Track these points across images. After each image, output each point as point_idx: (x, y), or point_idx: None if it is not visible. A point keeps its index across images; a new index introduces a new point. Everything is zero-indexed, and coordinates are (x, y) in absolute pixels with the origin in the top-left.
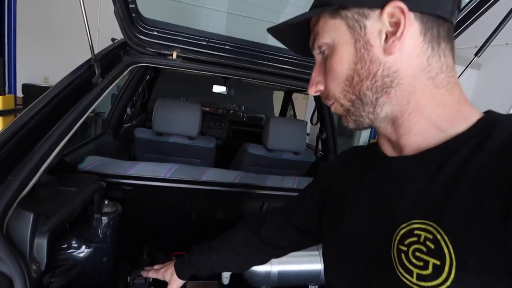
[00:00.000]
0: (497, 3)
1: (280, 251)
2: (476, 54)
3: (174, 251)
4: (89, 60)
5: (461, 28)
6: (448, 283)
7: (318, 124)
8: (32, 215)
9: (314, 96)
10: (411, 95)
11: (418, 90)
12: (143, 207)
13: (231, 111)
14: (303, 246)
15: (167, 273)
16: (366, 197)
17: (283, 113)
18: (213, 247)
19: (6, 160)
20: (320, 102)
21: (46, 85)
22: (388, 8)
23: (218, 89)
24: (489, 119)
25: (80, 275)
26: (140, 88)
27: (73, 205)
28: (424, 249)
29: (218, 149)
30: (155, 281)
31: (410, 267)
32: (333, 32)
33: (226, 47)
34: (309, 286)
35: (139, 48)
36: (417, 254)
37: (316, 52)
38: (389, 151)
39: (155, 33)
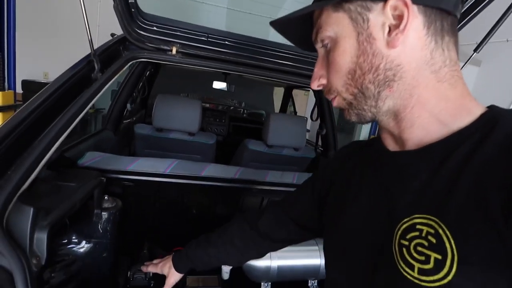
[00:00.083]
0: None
1: (278, 244)
2: (475, 50)
3: (174, 247)
4: (88, 55)
5: (461, 24)
6: (449, 277)
7: (318, 120)
8: (32, 209)
9: (314, 92)
10: (414, 89)
11: (421, 83)
12: (143, 203)
13: (232, 107)
14: (301, 240)
15: (165, 266)
16: (368, 192)
17: (283, 109)
18: (210, 240)
19: (6, 154)
20: (320, 98)
21: (45, 81)
22: (391, 1)
23: (218, 85)
24: (493, 114)
25: (80, 270)
26: (140, 84)
27: (73, 200)
28: (426, 244)
29: (219, 145)
30: (155, 275)
31: (412, 261)
32: (336, 25)
33: (226, 42)
34: (309, 281)
35: (139, 44)
36: (419, 248)
37: (318, 46)
38: (391, 145)
39: (155, 28)
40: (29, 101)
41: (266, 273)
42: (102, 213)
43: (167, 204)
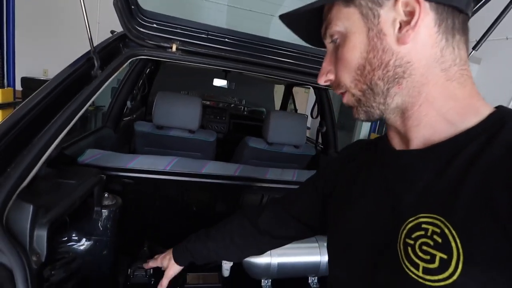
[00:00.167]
0: None
1: (278, 241)
2: (474, 48)
3: (174, 244)
4: (88, 52)
5: None
6: (454, 277)
7: (319, 118)
8: (31, 206)
9: (315, 90)
10: (423, 86)
11: (431, 81)
12: (143, 200)
13: (232, 105)
14: (301, 237)
15: (165, 259)
16: (372, 190)
17: (283, 106)
18: (209, 235)
19: (6, 152)
20: (320, 96)
21: (45, 78)
22: None
23: (218, 82)
24: (500, 114)
25: (80, 267)
26: (140, 81)
27: (73, 197)
28: (431, 243)
29: (219, 142)
30: (156, 273)
31: (417, 260)
32: (346, 20)
33: (226, 40)
34: (309, 278)
35: (139, 41)
36: (424, 247)
37: (327, 41)
38: (397, 144)
39: (155, 25)
40: (28, 98)
41: (267, 270)
42: (102, 210)
43: (167, 201)
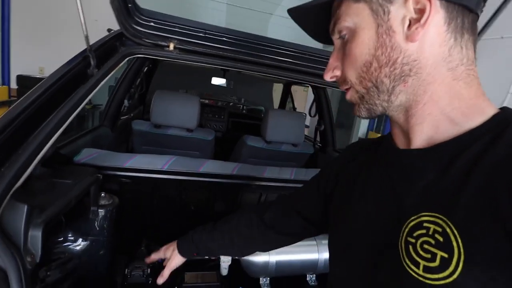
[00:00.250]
0: None
1: (282, 238)
2: None
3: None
4: (84, 50)
5: None
6: (454, 276)
7: (318, 117)
8: (26, 207)
9: (313, 88)
10: (428, 85)
11: (437, 80)
12: (140, 200)
13: (231, 104)
14: (305, 235)
15: (169, 250)
16: (375, 189)
17: (282, 105)
18: (216, 227)
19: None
20: (318, 94)
21: (41, 77)
22: None
23: (217, 81)
24: (505, 115)
25: (77, 268)
26: (138, 79)
27: (69, 197)
28: (433, 242)
29: (217, 141)
30: (153, 273)
31: (417, 259)
32: (356, 16)
33: (224, 39)
34: (307, 275)
35: (136, 39)
36: (425, 246)
37: (335, 37)
38: (401, 142)
39: (152, 24)
40: (23, 96)
41: (265, 268)
42: (99, 210)
43: (165, 200)
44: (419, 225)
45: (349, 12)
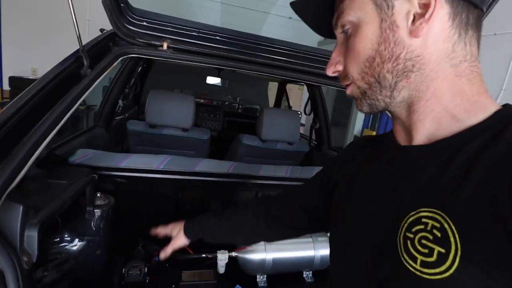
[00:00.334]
0: None
1: (286, 230)
2: None
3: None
4: (77, 51)
5: None
6: (451, 271)
7: (313, 115)
8: (21, 207)
9: (307, 87)
10: (431, 81)
11: (440, 76)
12: (136, 199)
13: (226, 103)
14: (308, 229)
15: (176, 229)
16: (375, 187)
17: (277, 104)
18: (224, 213)
19: None
20: (313, 93)
21: (34, 78)
22: None
23: (212, 80)
24: (507, 112)
25: (73, 268)
26: (132, 80)
27: (64, 197)
28: (431, 237)
29: (213, 140)
30: (150, 271)
31: (415, 254)
32: (359, 10)
33: (218, 37)
34: (304, 272)
35: (129, 39)
36: (423, 241)
37: (338, 31)
38: (402, 139)
39: (145, 23)
40: (16, 98)
41: (262, 265)
42: (95, 210)
43: (161, 200)
44: (417, 221)
45: (352, 6)
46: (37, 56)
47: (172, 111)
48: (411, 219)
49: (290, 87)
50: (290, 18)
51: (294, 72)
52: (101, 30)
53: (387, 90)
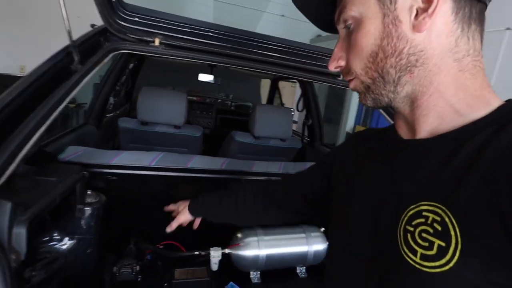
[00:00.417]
0: None
1: (283, 214)
2: None
3: (161, 240)
4: (67, 46)
5: None
6: (451, 264)
7: (305, 112)
8: (9, 204)
9: (300, 83)
10: (434, 76)
11: (443, 71)
12: (128, 197)
13: (219, 100)
14: (304, 215)
15: (182, 205)
16: (377, 177)
17: (270, 101)
18: (226, 193)
19: None
20: (305, 89)
21: (22, 75)
22: None
23: (204, 77)
24: (510, 107)
25: (63, 267)
26: (123, 77)
27: (53, 195)
28: (431, 231)
29: (206, 138)
30: (143, 270)
31: (415, 247)
32: (362, 5)
33: (210, 33)
34: (297, 268)
35: (120, 35)
36: (423, 235)
37: (340, 27)
38: (404, 133)
39: (137, 19)
40: (3, 93)
41: (255, 262)
42: (85, 208)
43: (153, 197)
44: (418, 214)
45: (355, 1)
46: (25, 53)
47: (164, 108)
48: (411, 212)
49: (283, 85)
50: (283, 16)
51: (287, 68)
52: (92, 25)
53: (391, 85)
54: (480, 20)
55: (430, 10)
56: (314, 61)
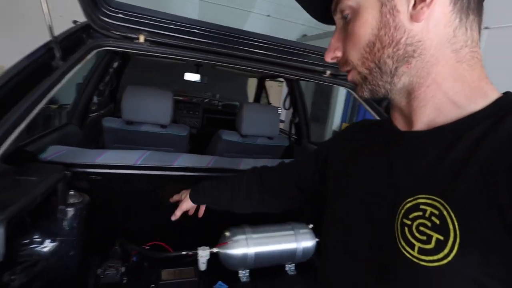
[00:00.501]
0: None
1: (276, 200)
2: None
3: (148, 241)
4: (49, 42)
5: None
6: (449, 258)
7: (292, 110)
8: None
9: (286, 81)
10: (432, 67)
11: (441, 62)
12: (113, 197)
13: (206, 100)
14: (295, 203)
15: (185, 193)
16: (374, 169)
17: (256, 100)
18: (223, 179)
19: None
20: (292, 87)
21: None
22: None
23: (190, 77)
24: (508, 100)
25: (45, 270)
26: (107, 76)
27: (33, 194)
28: (429, 224)
29: (193, 137)
30: (128, 271)
31: (413, 240)
32: None
33: (195, 31)
34: (286, 266)
35: (104, 31)
36: (421, 228)
37: (337, 17)
38: (401, 125)
39: (121, 15)
40: None
41: (244, 260)
42: (67, 209)
43: (139, 197)
44: (415, 207)
45: None
46: (5, 53)
47: (150, 107)
48: (408, 205)
49: (269, 85)
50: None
51: (274, 65)
52: (74, 22)
53: (388, 75)
54: (478, 10)
55: (428, 0)
56: (301, 58)
